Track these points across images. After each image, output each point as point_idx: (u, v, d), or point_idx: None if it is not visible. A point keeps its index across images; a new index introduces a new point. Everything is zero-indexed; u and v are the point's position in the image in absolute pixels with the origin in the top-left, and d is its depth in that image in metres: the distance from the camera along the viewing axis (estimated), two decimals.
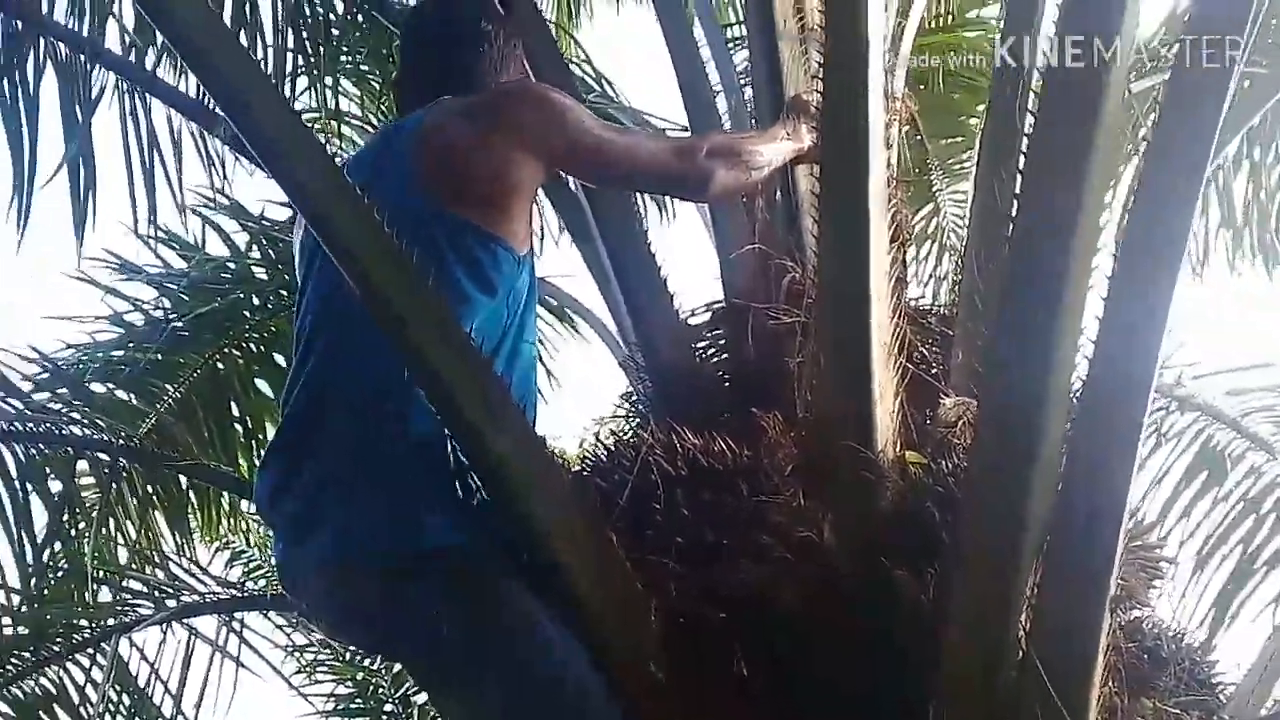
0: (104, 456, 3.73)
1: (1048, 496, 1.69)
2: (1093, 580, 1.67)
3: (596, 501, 1.83)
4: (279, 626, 4.67)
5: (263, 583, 5.02)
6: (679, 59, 2.65)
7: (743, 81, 2.70)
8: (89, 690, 3.64)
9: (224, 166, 3.84)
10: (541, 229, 4.09)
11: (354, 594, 1.78)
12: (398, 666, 5.43)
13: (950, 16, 4.34)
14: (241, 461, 4.11)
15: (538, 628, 1.71)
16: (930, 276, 4.59)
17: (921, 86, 4.03)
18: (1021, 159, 1.75)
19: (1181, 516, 4.15)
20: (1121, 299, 1.67)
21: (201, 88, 3.46)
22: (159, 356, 3.95)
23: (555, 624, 1.72)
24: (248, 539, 5.37)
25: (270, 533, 2.08)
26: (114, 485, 3.71)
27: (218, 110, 1.94)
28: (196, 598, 3.65)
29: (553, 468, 1.72)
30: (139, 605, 3.66)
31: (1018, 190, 1.75)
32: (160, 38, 3.50)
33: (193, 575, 3.79)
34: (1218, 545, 4.12)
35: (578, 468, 2.05)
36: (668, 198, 3.55)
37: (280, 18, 3.56)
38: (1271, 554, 4.06)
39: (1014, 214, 1.75)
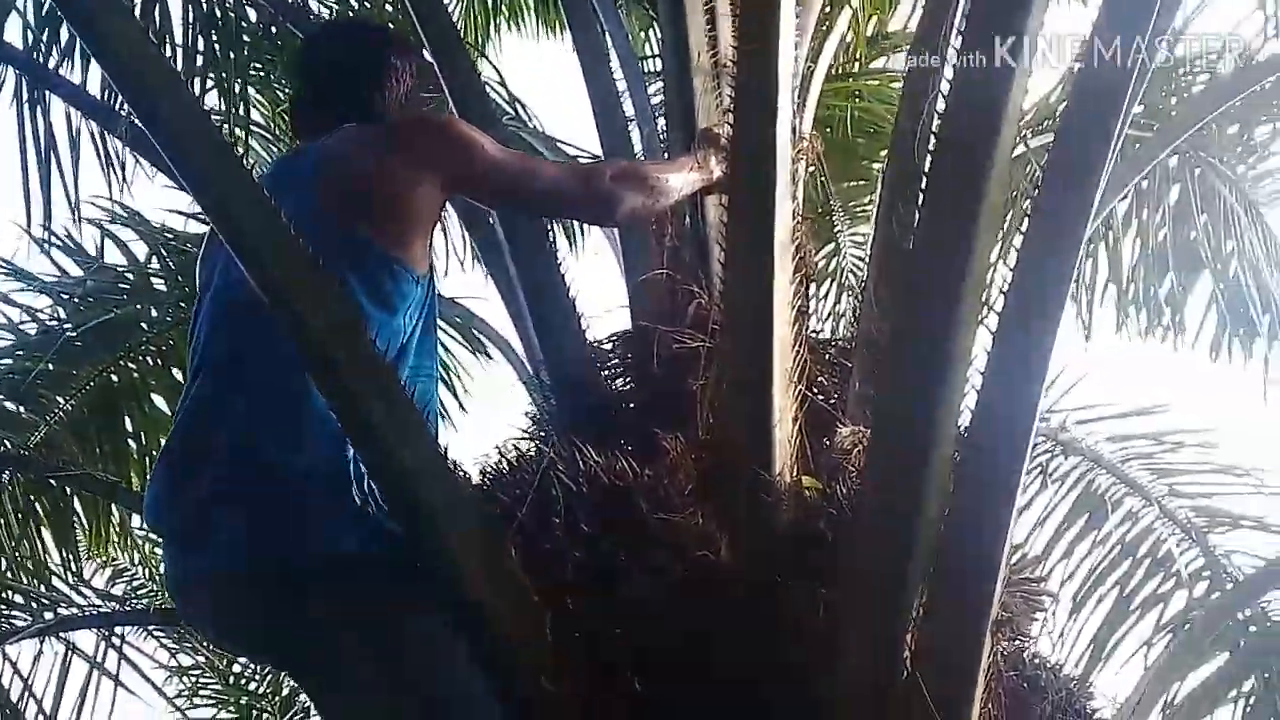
0: None
1: (934, 520, 1.75)
2: (975, 604, 1.74)
3: (496, 513, 1.85)
4: (163, 645, 4.56)
5: (146, 601, 4.90)
6: (594, 88, 2.71)
7: (657, 113, 2.76)
8: None
9: (124, 169, 3.76)
10: (448, 250, 4.10)
11: (243, 602, 1.77)
12: (285, 690, 5.33)
13: (857, 64, 4.48)
14: (134, 477, 4.01)
15: (429, 639, 1.72)
16: (829, 314, 4.68)
17: (828, 130, 4.15)
18: (916, 209, 1.84)
19: (1063, 556, 4.29)
20: (1007, 343, 1.75)
21: (106, 84, 3.40)
22: (50, 367, 3.84)
23: (449, 636, 1.73)
24: (133, 556, 5.24)
25: (160, 544, 2.04)
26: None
27: (121, 107, 1.92)
28: (75, 611, 3.53)
29: (454, 479, 1.73)
30: (15, 617, 3.53)
31: (911, 239, 1.84)
32: (63, 33, 3.43)
33: (74, 589, 3.66)
34: (1096, 586, 4.27)
35: (479, 481, 2.05)
36: (577, 223, 3.58)
37: (191, 20, 3.52)
38: (1146, 597, 4.21)
39: (906, 260, 1.83)
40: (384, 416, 1.67)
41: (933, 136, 1.84)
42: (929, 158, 1.82)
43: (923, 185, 1.82)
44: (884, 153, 4.47)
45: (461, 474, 1.85)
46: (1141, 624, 4.17)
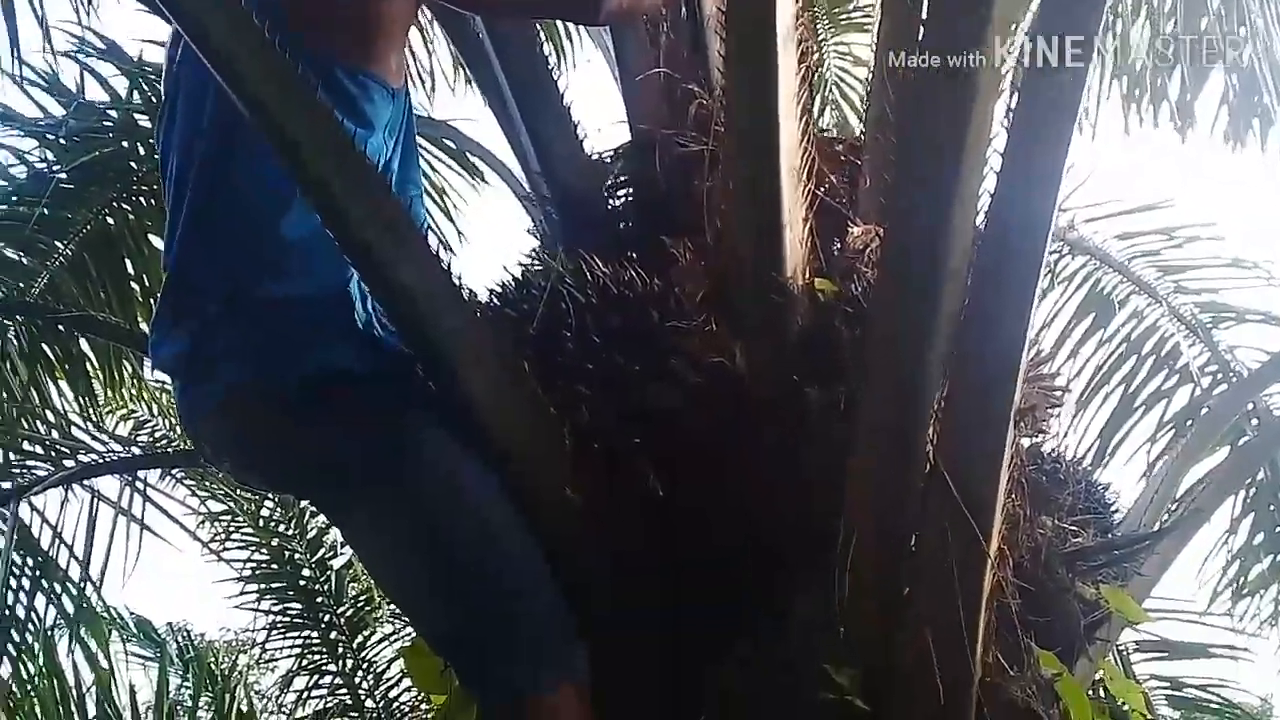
0: None
1: (953, 314, 1.71)
2: (996, 393, 1.71)
3: (504, 325, 1.81)
4: (192, 492, 4.62)
5: (171, 449, 4.94)
6: None
7: None
8: None
9: None
10: (435, 71, 3.97)
11: (254, 427, 1.76)
12: (312, 531, 5.44)
13: None
14: (140, 319, 3.97)
15: (443, 450, 1.71)
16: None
17: None
18: None
19: (1070, 355, 4.30)
20: (1024, 130, 1.68)
21: None
22: (46, 211, 3.76)
23: (462, 448, 1.72)
24: (152, 408, 5.27)
25: (170, 383, 2.03)
26: (1, 343, 3.56)
27: None
28: (96, 458, 3.55)
29: (457, 292, 1.69)
30: (36, 467, 3.56)
31: (922, 22, 1.74)
32: None
33: (94, 436, 3.68)
34: (1101, 384, 4.29)
35: (486, 299, 2.01)
36: (567, 25, 3.41)
37: None
38: (1150, 394, 4.24)
39: (917, 47, 1.74)
40: (382, 236, 1.62)
41: None
42: None
43: None
44: None
45: (467, 291, 1.81)
46: (1146, 420, 4.22)
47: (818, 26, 4.31)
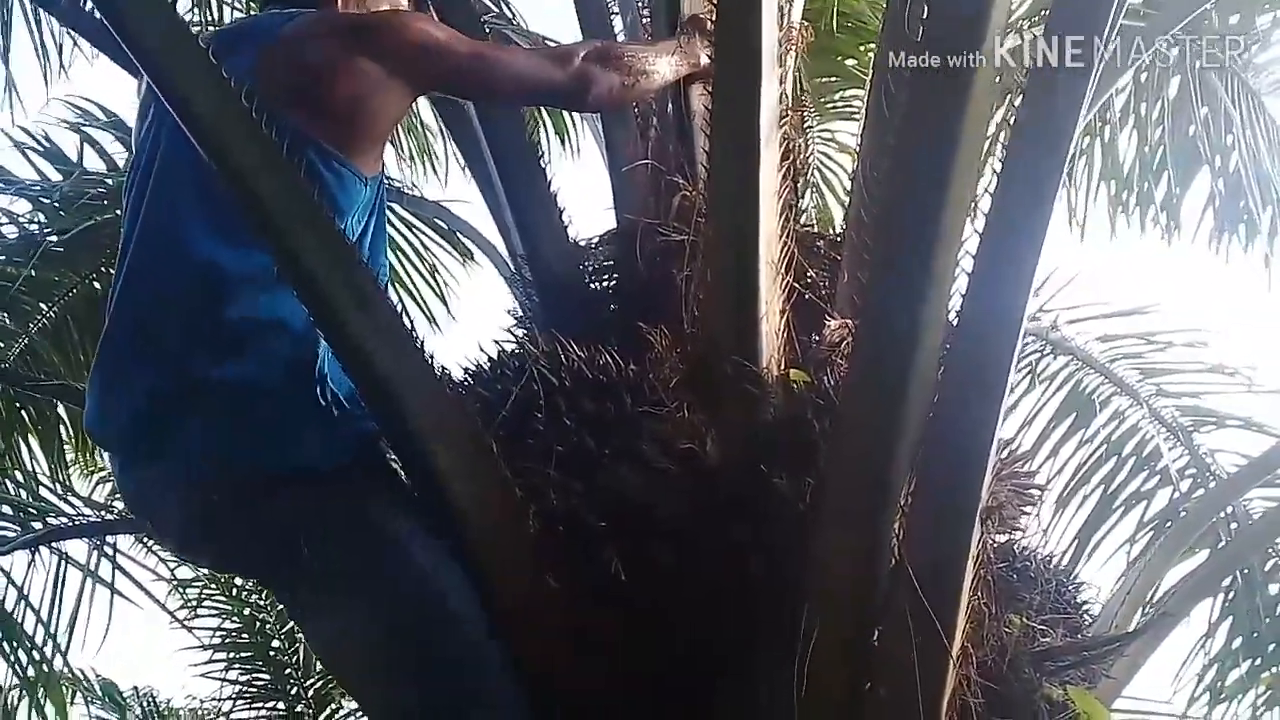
0: None
1: (923, 409, 1.73)
2: (964, 490, 1.73)
3: (475, 405, 1.82)
4: (161, 560, 4.56)
5: None
6: None
7: (640, 1, 2.68)
8: None
9: (61, 52, 3.65)
10: (428, 153, 4.03)
11: (210, 514, 1.71)
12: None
13: None
14: None
15: (405, 540, 1.69)
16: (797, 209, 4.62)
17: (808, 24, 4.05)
18: (906, 95, 1.79)
19: (1050, 455, 4.31)
20: (997, 232, 1.72)
21: None
22: (33, 273, 3.78)
23: (427, 538, 1.71)
24: None
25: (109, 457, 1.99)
26: None
27: None
28: (65, 520, 3.53)
29: (428, 369, 1.70)
30: (4, 528, 3.53)
31: (898, 121, 1.79)
32: None
33: (62, 498, 3.66)
34: (1081, 484, 4.30)
35: (462, 379, 2.03)
36: (560, 113, 3.48)
37: None
38: (1130, 494, 4.25)
39: (894, 147, 1.79)
40: (359, 317, 1.64)
41: (922, 20, 1.78)
42: (919, 40, 1.76)
43: (912, 69, 1.77)
44: (862, 49, 4.42)
45: (442, 372, 1.82)
46: (1125, 521, 4.23)
47: (804, 115, 4.39)
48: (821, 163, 4.47)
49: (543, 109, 3.86)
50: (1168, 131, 4.34)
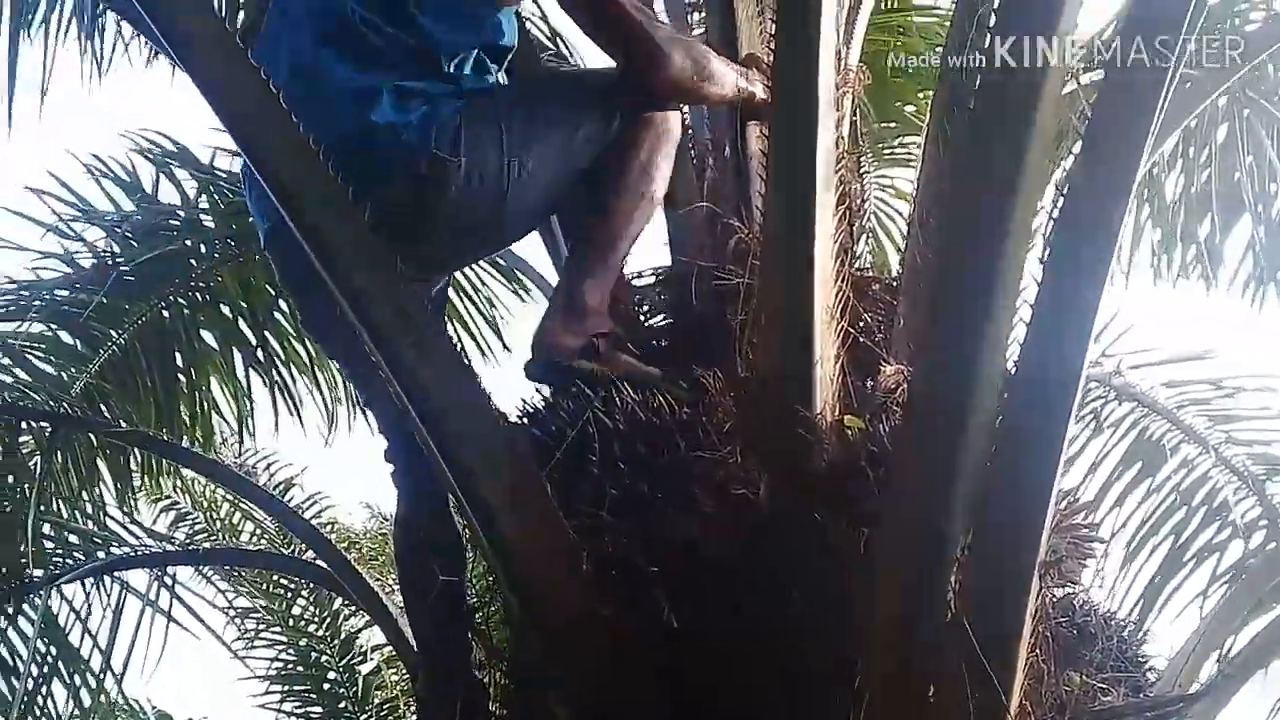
0: (43, 424, 3.63)
1: (980, 459, 1.70)
2: (1022, 544, 1.69)
3: (529, 444, 1.82)
4: (220, 592, 4.63)
5: (207, 545, 4.98)
6: None
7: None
8: (16, 641, 3.58)
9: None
10: None
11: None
12: (343, 634, 5.39)
13: None
14: (183, 412, 4.04)
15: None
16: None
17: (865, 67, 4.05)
18: (966, 138, 1.77)
19: (1115, 505, 4.21)
20: (1057, 279, 1.69)
21: None
22: (104, 300, 3.87)
23: None
24: (193, 500, 5.32)
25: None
26: (55, 453, 3.62)
27: None
28: (127, 550, 3.58)
29: (490, 418, 1.71)
30: (69, 556, 3.59)
31: (956, 165, 1.77)
32: None
33: (125, 528, 3.71)
34: (1149, 535, 4.19)
35: (517, 420, 2.03)
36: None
37: None
38: (1201, 546, 4.13)
39: (954, 191, 1.77)
40: (416, 357, 1.65)
41: (982, 61, 1.76)
42: (978, 82, 1.74)
43: (971, 112, 1.75)
44: (921, 94, 4.40)
45: (497, 413, 1.83)
46: (1197, 574, 4.11)
47: (861, 160, 4.37)
48: (879, 209, 4.43)
49: None
50: (1214, 177, 4.28)
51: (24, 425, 3.70)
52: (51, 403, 3.57)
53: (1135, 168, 1.69)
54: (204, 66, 1.67)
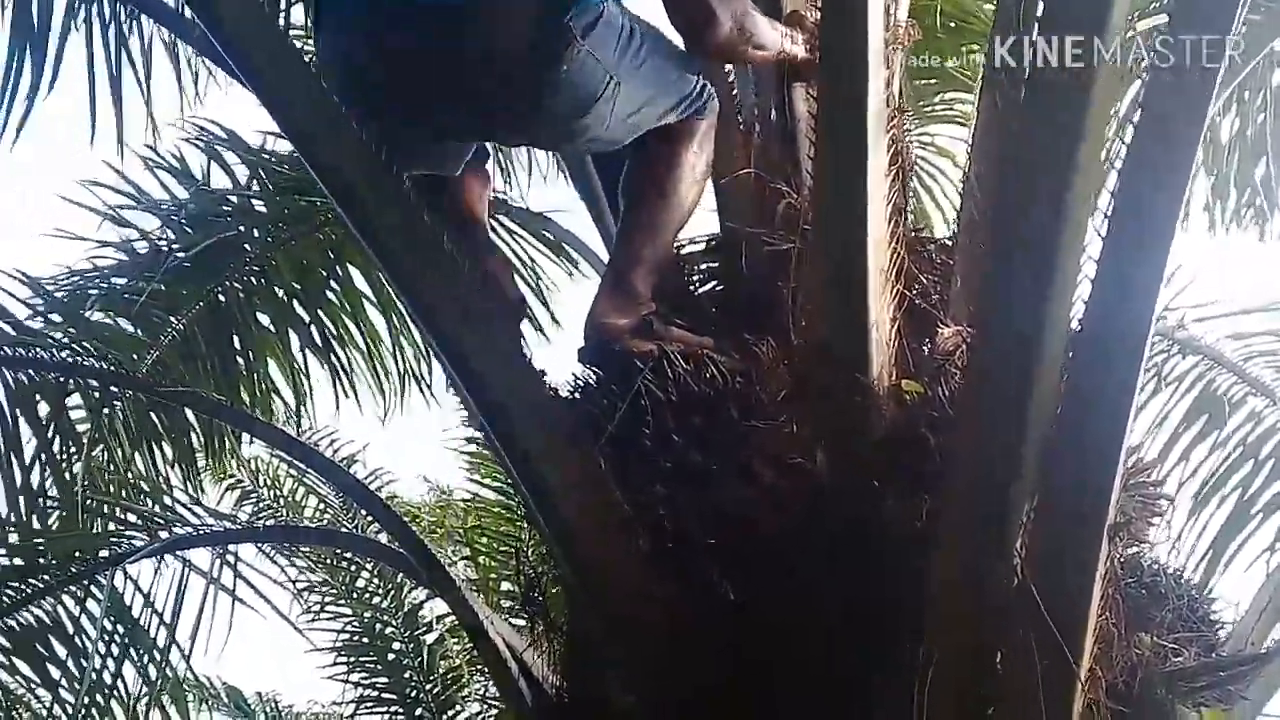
0: (94, 383, 3.69)
1: (1045, 421, 1.66)
2: (1090, 506, 1.65)
3: (584, 420, 1.81)
4: (282, 568, 4.67)
5: (270, 522, 5.04)
6: None
7: None
8: (84, 622, 3.64)
9: (197, 81, 3.77)
10: (532, 163, 4.05)
11: None
12: (407, 606, 5.45)
13: None
14: (244, 395, 4.08)
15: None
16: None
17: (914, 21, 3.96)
18: (1023, 90, 1.72)
19: (1180, 460, 4.13)
20: (1122, 230, 1.64)
21: None
22: (162, 287, 3.90)
23: None
24: (257, 478, 5.39)
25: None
26: (104, 410, 3.68)
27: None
28: (190, 530, 3.62)
29: (535, 385, 1.69)
30: (133, 537, 3.64)
31: (1018, 117, 1.71)
32: None
33: (187, 508, 3.76)
34: (1215, 489, 4.11)
35: (570, 392, 2.01)
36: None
37: None
38: (1269, 500, 4.05)
39: (1013, 140, 1.71)
40: (470, 338, 1.64)
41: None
42: (1040, 24, 1.68)
43: (1030, 63, 1.69)
44: (965, 48, 4.30)
45: (552, 391, 1.82)
46: (1264, 529, 4.03)
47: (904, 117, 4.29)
48: (921, 167, 4.35)
49: None
50: (1269, 123, 4.15)
51: (93, 395, 3.75)
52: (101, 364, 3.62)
53: (1208, 100, 1.63)
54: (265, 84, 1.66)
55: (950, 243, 2.30)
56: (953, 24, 4.21)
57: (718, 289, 2.23)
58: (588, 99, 1.94)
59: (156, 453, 4.03)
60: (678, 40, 2.11)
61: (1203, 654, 2.18)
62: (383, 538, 3.95)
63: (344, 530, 4.81)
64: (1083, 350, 1.67)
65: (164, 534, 3.59)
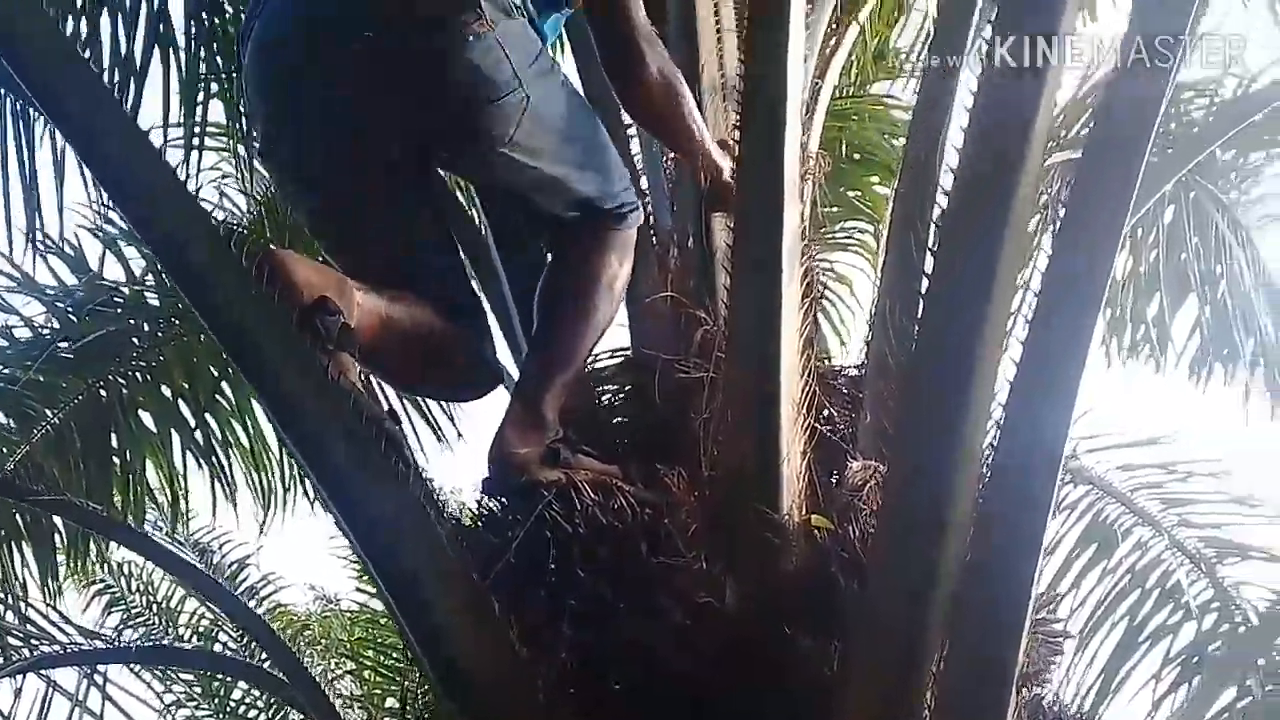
0: None
1: (958, 561, 1.63)
2: (999, 657, 1.62)
3: (482, 553, 1.73)
4: (149, 687, 4.41)
5: (143, 631, 4.78)
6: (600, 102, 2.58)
7: None
8: None
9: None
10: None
11: None
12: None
13: (855, 86, 4.39)
14: (116, 497, 3.88)
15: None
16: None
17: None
18: (933, 228, 1.74)
19: (1072, 586, 4.20)
20: (1035, 368, 1.65)
21: None
22: (40, 378, 3.72)
23: None
24: (128, 583, 5.11)
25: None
26: None
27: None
28: (56, 648, 3.39)
29: (432, 529, 1.61)
30: None
31: (931, 256, 1.72)
32: None
33: (54, 624, 3.52)
34: (1105, 616, 4.18)
35: (468, 521, 1.94)
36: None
37: (193, 34, 3.32)
38: (1155, 628, 4.13)
39: (927, 280, 1.72)
40: (349, 459, 1.57)
41: (955, 149, 1.72)
42: (953, 172, 1.70)
43: (943, 203, 1.71)
44: (868, 179, 4.44)
45: (443, 522, 1.74)
46: (1150, 656, 4.10)
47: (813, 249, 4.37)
48: (824, 295, 4.43)
49: None
50: (1161, 258, 4.34)
51: None
52: None
53: (1117, 234, 1.66)
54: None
55: (859, 374, 2.31)
56: (857, 156, 4.34)
57: (628, 412, 2.19)
58: (488, 87, 1.88)
59: (15, 555, 3.81)
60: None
61: None
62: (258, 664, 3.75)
63: (217, 649, 4.57)
64: (994, 489, 1.66)
65: (25, 653, 3.36)
